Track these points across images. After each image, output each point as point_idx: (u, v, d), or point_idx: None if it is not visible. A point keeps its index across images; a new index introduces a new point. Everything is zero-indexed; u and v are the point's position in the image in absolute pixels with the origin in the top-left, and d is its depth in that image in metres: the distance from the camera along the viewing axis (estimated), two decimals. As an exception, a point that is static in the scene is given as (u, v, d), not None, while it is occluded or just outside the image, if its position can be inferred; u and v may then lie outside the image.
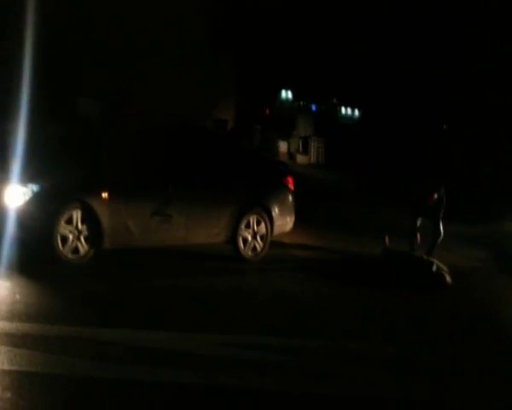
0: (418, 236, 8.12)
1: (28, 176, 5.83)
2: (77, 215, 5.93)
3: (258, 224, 7.31)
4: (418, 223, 8.11)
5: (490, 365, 4.93)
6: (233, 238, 7.12)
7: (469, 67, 16.82)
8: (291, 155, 22.21)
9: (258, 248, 7.31)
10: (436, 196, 7.87)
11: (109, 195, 6.08)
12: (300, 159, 22.30)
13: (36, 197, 5.78)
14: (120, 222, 6.16)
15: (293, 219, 7.81)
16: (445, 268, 7.09)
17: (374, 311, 6.08)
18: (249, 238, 7.23)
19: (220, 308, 5.48)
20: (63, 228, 5.83)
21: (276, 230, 7.53)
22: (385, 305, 6.32)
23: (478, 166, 16.29)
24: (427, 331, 5.67)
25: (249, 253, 7.25)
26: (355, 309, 6.06)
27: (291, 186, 7.87)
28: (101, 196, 6.04)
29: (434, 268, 7.00)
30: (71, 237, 5.89)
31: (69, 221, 5.89)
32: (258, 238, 7.30)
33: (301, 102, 31.12)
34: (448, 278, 6.98)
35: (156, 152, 6.68)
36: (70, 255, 5.90)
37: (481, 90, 16.55)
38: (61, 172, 6.07)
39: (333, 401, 3.96)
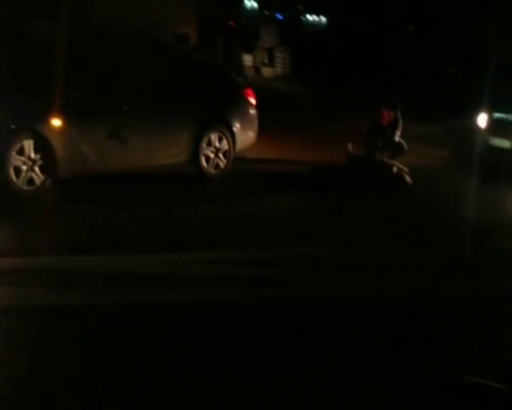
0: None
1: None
2: (29, 145, 5.73)
3: (220, 141, 7.18)
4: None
5: (447, 259, 5.10)
6: (195, 157, 7.01)
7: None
8: (257, 69, 21.64)
9: (222, 166, 7.23)
10: (392, 115, 7.80)
11: (61, 121, 5.86)
12: (266, 72, 21.73)
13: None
14: (75, 149, 5.97)
15: (255, 132, 7.69)
16: (405, 169, 7.28)
17: (337, 216, 6.18)
18: (211, 156, 7.13)
19: (191, 228, 5.43)
20: (15, 159, 5.64)
21: (239, 145, 7.42)
22: (348, 209, 6.43)
23: (442, 68, 16.09)
24: (386, 232, 5.76)
25: (212, 171, 7.17)
26: (320, 217, 6.12)
27: (252, 99, 7.68)
28: (52, 123, 5.82)
29: (395, 169, 7.21)
30: (24, 167, 5.71)
31: (21, 152, 5.69)
32: (221, 155, 7.20)
33: (266, 12, 29.93)
34: (408, 179, 7.17)
35: (109, 70, 6.40)
36: (25, 187, 5.74)
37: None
38: (10, 101, 5.78)
39: (311, 303, 4.09)
